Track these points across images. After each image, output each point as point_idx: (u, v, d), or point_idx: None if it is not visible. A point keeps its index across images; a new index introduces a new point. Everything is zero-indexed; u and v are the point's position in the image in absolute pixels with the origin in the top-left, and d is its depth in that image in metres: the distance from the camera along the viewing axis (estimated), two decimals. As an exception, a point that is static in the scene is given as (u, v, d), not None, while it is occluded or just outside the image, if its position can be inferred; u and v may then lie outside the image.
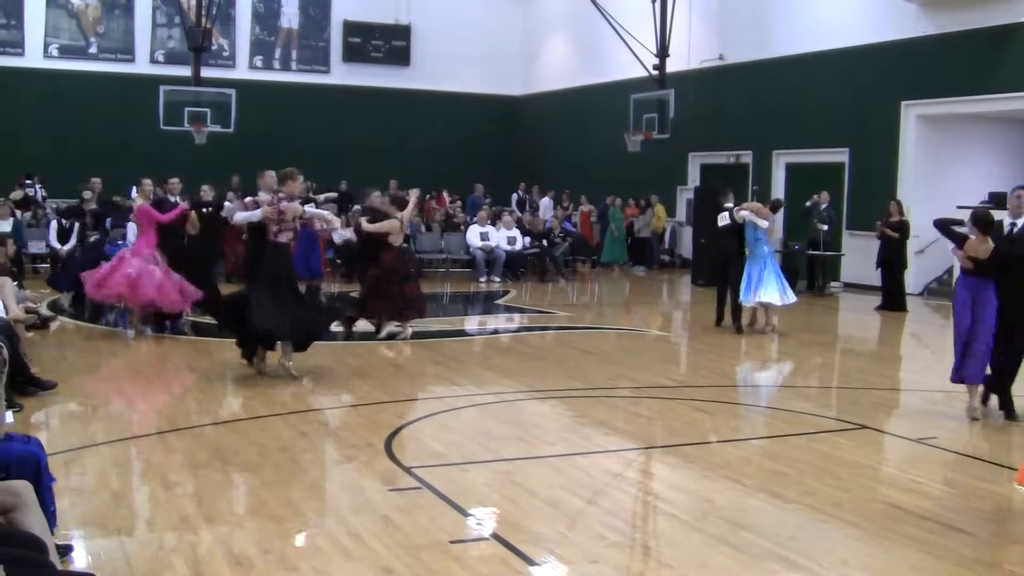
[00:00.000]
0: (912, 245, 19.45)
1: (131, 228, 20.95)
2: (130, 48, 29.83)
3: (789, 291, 15.56)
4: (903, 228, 18.61)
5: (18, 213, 22.25)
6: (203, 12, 26.14)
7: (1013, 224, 10.13)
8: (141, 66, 29.67)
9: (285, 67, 31.62)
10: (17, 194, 23.36)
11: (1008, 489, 7.53)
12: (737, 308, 15.44)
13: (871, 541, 6.27)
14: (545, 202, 27.98)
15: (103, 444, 8.17)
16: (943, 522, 6.58)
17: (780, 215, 17.68)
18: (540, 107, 33.28)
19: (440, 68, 32.34)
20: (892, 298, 18.48)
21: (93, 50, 29.46)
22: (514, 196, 29.53)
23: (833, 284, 21.83)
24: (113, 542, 5.99)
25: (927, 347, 15.98)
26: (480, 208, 25.20)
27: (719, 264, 16.06)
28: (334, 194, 22.76)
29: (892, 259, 18.64)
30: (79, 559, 5.71)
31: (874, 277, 19.40)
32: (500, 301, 19.57)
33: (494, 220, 24.04)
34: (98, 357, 12.38)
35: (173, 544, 5.97)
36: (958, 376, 9.81)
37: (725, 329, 15.67)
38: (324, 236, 18.74)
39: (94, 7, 29.42)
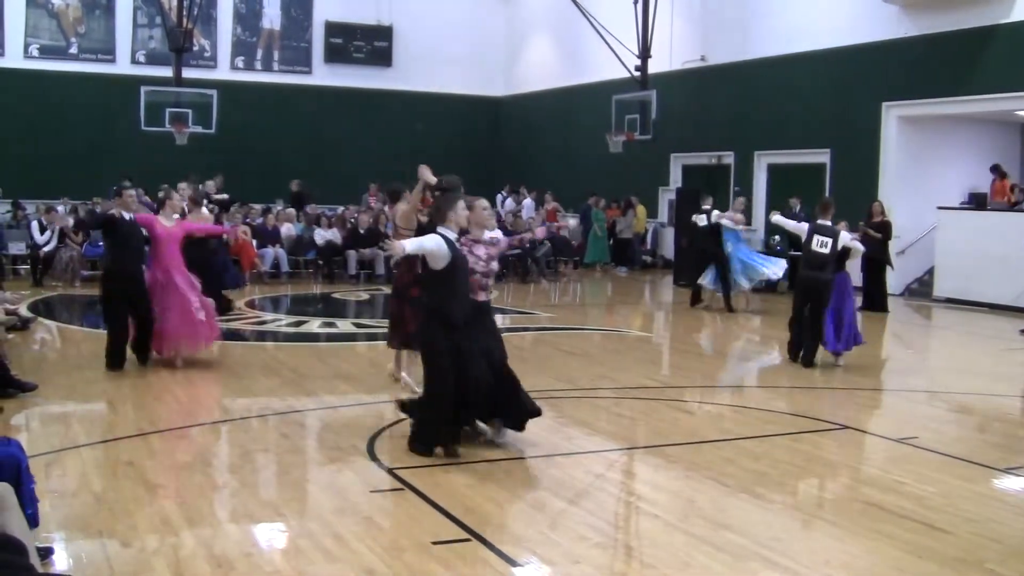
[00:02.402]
0: (894, 246, 19.52)
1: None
2: (111, 48, 29.71)
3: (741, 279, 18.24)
4: (885, 229, 18.67)
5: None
6: (184, 12, 26.04)
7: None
8: (122, 66, 29.54)
9: (267, 68, 31.53)
10: None
11: (988, 488, 7.56)
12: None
13: (853, 541, 6.29)
14: (528, 203, 28.01)
15: (84, 446, 8.14)
16: (924, 521, 6.61)
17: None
18: (523, 108, 33.27)
19: (422, 69, 32.29)
20: (874, 299, 18.53)
21: (74, 50, 29.33)
22: (498, 197, 29.54)
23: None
24: (94, 544, 5.97)
25: (909, 347, 16.05)
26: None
27: (701, 259, 18.52)
28: (224, 196, 22.36)
29: (874, 260, 18.68)
30: (60, 562, 5.68)
31: (856, 278, 19.43)
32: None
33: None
34: (78, 358, 12.31)
35: (155, 546, 5.94)
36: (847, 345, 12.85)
37: (705, 320, 15.75)
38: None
39: (75, 7, 29.28)
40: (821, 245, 12.70)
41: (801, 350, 12.83)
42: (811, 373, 12.74)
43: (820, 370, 12.61)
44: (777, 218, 14.34)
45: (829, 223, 12.90)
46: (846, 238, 12.84)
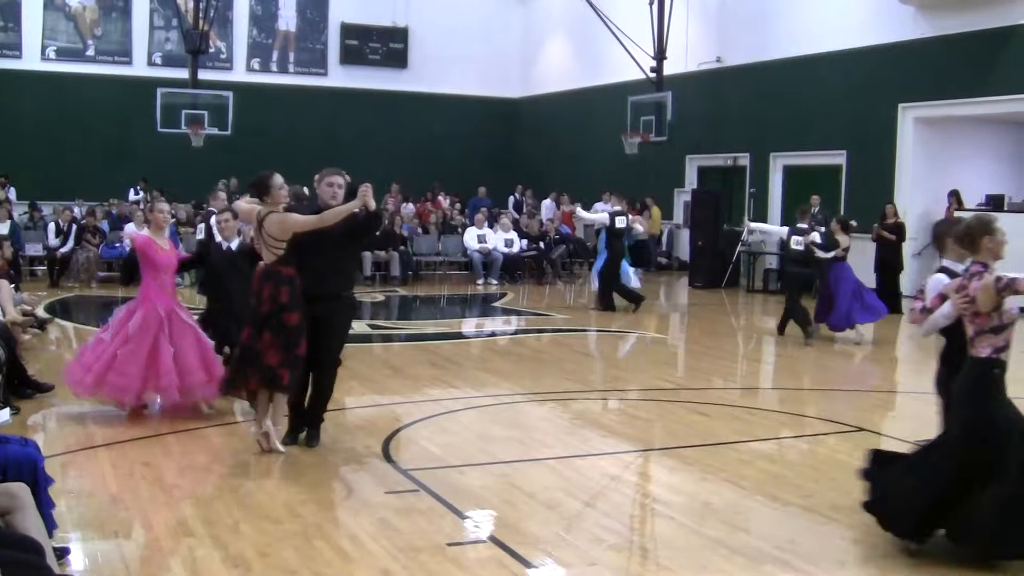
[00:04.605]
0: (909, 248, 19.46)
1: (129, 229, 21.02)
2: (127, 50, 29.80)
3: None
4: (899, 230, 18.61)
5: (15, 215, 22.28)
6: (200, 14, 26.12)
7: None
8: (139, 68, 29.63)
9: (283, 69, 31.57)
10: None
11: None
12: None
13: (869, 543, 6.27)
14: (547, 204, 28.05)
15: (100, 446, 8.17)
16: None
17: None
18: (538, 109, 33.26)
19: (438, 70, 32.28)
20: (887, 300, 18.45)
21: (90, 52, 29.43)
22: (511, 199, 29.56)
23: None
24: (111, 545, 5.99)
25: (924, 349, 15.98)
26: (481, 210, 25.20)
27: (616, 263, 18.40)
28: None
29: (888, 261, 18.63)
30: (76, 562, 5.71)
31: (871, 279, 19.39)
32: (497, 303, 19.57)
33: (491, 222, 24.05)
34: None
35: (171, 547, 5.96)
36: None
37: (719, 322, 15.72)
38: None
39: (91, 9, 29.39)
40: (796, 244, 15.19)
41: (808, 326, 14.97)
42: (827, 375, 12.76)
43: (834, 368, 12.58)
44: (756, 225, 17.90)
45: (805, 226, 15.31)
46: (814, 237, 15.02)
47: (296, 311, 7.78)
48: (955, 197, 20.09)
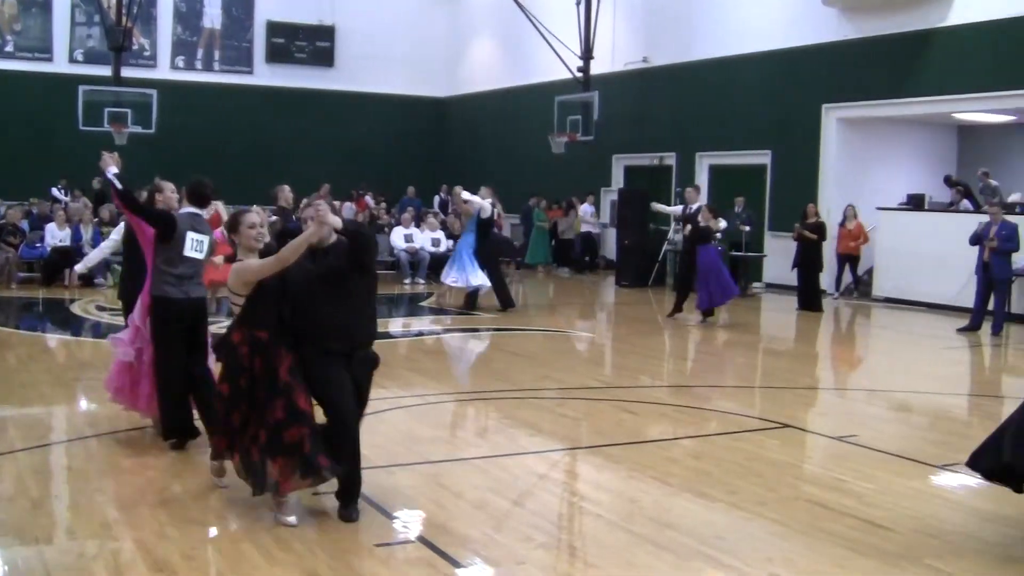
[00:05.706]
0: (830, 247, 19.70)
1: (50, 229, 20.65)
2: (48, 47, 29.34)
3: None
4: (820, 230, 18.85)
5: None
6: (124, 11, 25.78)
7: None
8: (60, 65, 29.19)
9: (208, 68, 31.28)
10: None
11: (927, 485, 7.65)
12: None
13: (795, 538, 6.34)
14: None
15: (21, 451, 8.01)
16: (865, 518, 6.67)
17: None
18: (466, 109, 33.25)
19: (365, 69, 32.19)
20: (808, 299, 18.70)
21: (9, 48, 28.93)
22: (436, 198, 29.51)
23: (755, 285, 22.06)
24: (32, 551, 5.88)
25: (849, 347, 16.20)
26: (410, 209, 25.11)
27: (496, 254, 19.20)
28: None
29: (808, 260, 18.85)
30: (-4, 568, 5.61)
31: (791, 277, 19.62)
32: (424, 303, 19.52)
33: (418, 222, 23.98)
34: (16, 361, 12.15)
35: (94, 552, 5.87)
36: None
37: (648, 320, 15.87)
38: None
39: (10, 4, 28.88)
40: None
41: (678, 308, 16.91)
42: (752, 372, 12.89)
43: (758, 366, 12.70)
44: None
45: (695, 206, 17.30)
46: (676, 210, 17.94)
47: (225, 383, 6.56)
48: (852, 209, 20.21)
